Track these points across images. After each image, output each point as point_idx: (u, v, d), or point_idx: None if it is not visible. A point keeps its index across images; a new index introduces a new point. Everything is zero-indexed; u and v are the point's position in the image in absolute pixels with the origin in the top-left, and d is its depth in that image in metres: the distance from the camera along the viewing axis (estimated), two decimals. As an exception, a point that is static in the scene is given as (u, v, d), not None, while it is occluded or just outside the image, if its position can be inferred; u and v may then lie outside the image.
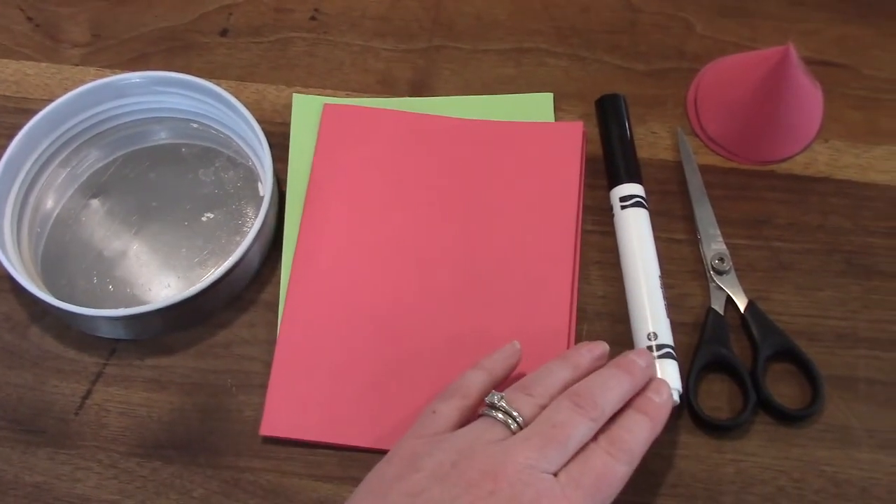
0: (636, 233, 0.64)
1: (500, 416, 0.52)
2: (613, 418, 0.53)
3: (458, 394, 0.55)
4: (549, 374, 0.55)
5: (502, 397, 0.53)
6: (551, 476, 0.50)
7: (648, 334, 0.60)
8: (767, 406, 0.60)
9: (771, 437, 0.60)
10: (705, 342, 0.61)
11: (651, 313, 0.61)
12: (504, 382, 0.57)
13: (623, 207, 0.65)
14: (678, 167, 0.69)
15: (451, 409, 0.54)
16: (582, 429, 0.51)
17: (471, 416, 0.55)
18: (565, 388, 0.54)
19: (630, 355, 0.57)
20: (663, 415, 0.55)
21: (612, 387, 0.54)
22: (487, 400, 0.53)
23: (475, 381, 0.56)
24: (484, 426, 0.52)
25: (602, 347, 0.58)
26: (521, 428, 0.52)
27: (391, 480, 0.50)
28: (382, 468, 0.52)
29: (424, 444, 0.52)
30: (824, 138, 0.70)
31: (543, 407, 0.53)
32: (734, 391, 0.61)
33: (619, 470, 0.51)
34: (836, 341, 0.63)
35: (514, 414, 0.52)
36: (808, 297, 0.64)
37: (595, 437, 0.52)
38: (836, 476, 0.59)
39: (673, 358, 0.60)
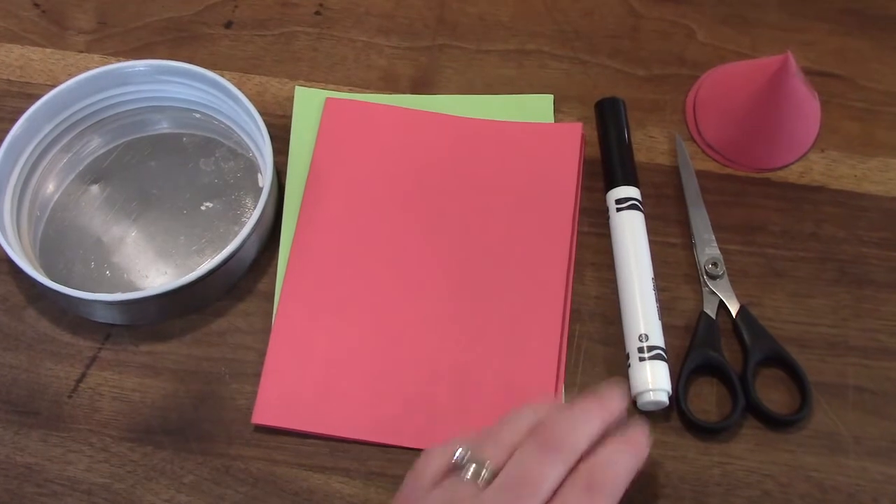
0: (631, 235, 0.65)
1: (470, 470, 0.50)
2: (595, 450, 0.51)
3: (438, 453, 0.53)
4: (514, 419, 0.53)
5: (467, 450, 0.51)
6: None
7: (640, 335, 0.61)
8: (756, 410, 0.61)
9: (758, 442, 0.60)
10: (696, 345, 0.62)
11: (643, 315, 0.62)
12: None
13: (619, 210, 0.66)
14: (675, 172, 0.69)
15: (433, 468, 0.52)
16: (553, 473, 0.49)
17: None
18: (530, 428, 0.52)
19: (602, 389, 0.54)
20: (644, 448, 0.52)
21: (580, 422, 0.51)
22: (456, 457, 0.51)
23: (457, 443, 0.53)
24: (455, 484, 0.50)
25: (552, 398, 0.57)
26: (492, 478, 0.50)
27: None
28: None
29: None
30: (820, 148, 0.71)
31: (511, 452, 0.51)
32: (723, 394, 0.61)
33: None
34: (827, 349, 0.63)
35: (482, 468, 0.50)
36: (799, 304, 0.65)
37: (573, 474, 0.50)
38: (823, 482, 0.59)
39: (663, 360, 0.60)
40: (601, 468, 0.50)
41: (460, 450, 0.51)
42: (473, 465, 0.50)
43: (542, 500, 0.49)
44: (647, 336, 0.61)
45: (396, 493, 0.53)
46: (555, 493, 0.49)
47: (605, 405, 0.53)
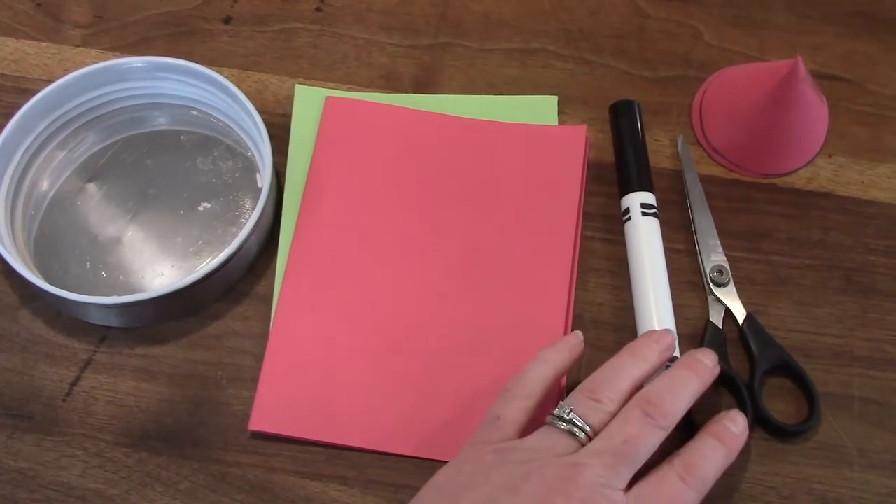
0: (648, 243, 0.64)
1: (569, 426, 0.51)
2: (689, 442, 0.53)
3: (521, 394, 0.54)
4: (616, 372, 0.54)
5: (571, 410, 0.52)
6: (622, 493, 0.49)
7: None
8: (763, 421, 0.60)
9: (762, 453, 0.60)
10: (703, 355, 0.61)
11: (668, 325, 0.61)
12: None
13: (643, 215, 0.64)
14: (679, 176, 0.68)
15: (515, 412, 0.53)
16: (653, 440, 0.51)
17: (537, 414, 0.54)
18: (634, 387, 0.53)
19: (696, 355, 0.56)
20: (738, 446, 0.53)
21: (682, 391, 0.53)
22: (556, 412, 0.52)
23: (537, 377, 0.55)
24: (553, 437, 0.51)
25: (669, 338, 0.57)
26: (589, 438, 0.51)
27: (461, 488, 0.50)
28: (451, 474, 0.51)
29: (493, 454, 0.51)
30: (828, 153, 0.70)
31: (613, 413, 0.52)
32: (731, 405, 0.61)
33: (690, 497, 0.50)
34: (832, 359, 0.63)
35: (584, 426, 0.51)
36: (805, 313, 0.64)
37: (670, 459, 0.51)
38: (827, 495, 0.58)
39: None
40: (701, 461, 0.51)
41: (564, 408, 0.52)
42: (573, 423, 0.51)
43: (637, 467, 0.50)
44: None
45: (471, 440, 0.53)
46: (648, 466, 0.51)
47: (703, 375, 0.55)
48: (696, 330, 0.63)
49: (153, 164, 0.69)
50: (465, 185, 0.67)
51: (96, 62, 0.69)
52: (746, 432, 0.54)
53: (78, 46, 0.74)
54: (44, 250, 0.65)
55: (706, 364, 0.55)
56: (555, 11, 0.76)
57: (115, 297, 0.60)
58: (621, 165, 0.67)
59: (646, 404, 0.51)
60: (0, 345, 0.63)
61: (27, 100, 0.66)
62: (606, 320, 0.63)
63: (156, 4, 0.76)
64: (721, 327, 0.62)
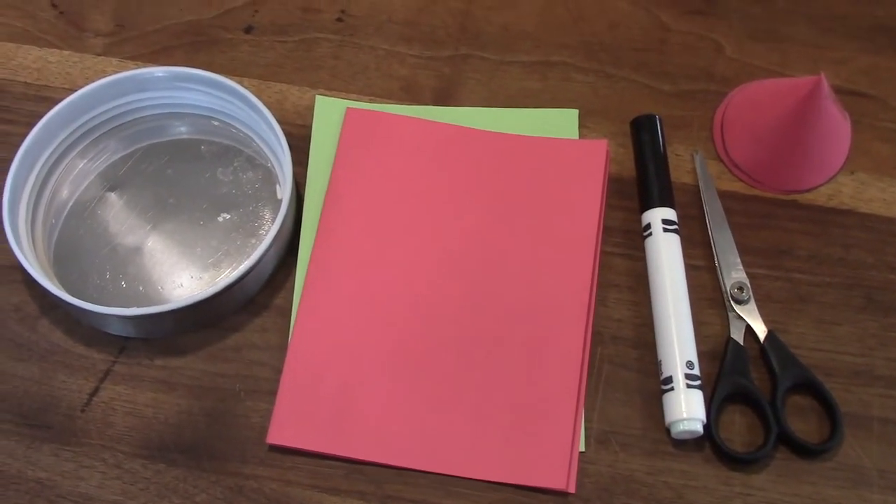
0: (668, 259, 0.63)
1: None
2: None
3: None
4: None
5: None
6: None
7: (687, 362, 0.60)
8: (786, 439, 0.59)
9: (781, 473, 0.59)
10: (726, 373, 0.61)
11: (688, 341, 0.61)
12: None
13: (665, 231, 0.64)
14: (700, 191, 0.68)
15: None
16: None
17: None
18: None
19: None
20: None
21: None
22: None
23: None
24: None
25: None
26: None
27: None
28: None
29: None
30: (850, 170, 0.69)
31: None
32: (753, 423, 0.60)
33: None
34: (852, 378, 0.62)
35: None
36: (825, 331, 0.64)
37: None
38: (846, 516, 0.58)
39: (700, 388, 0.59)
40: None
41: None
42: None
43: None
44: (692, 363, 0.60)
45: None
46: None
47: None
48: (715, 347, 0.62)
49: (173, 173, 0.69)
50: (485, 199, 0.67)
51: (117, 71, 0.69)
52: None
53: (99, 55, 0.74)
54: (63, 259, 0.65)
55: None
56: (575, 24, 0.75)
57: (135, 308, 0.60)
58: (642, 181, 0.67)
59: None
60: (20, 354, 0.63)
61: (48, 108, 0.67)
62: (626, 336, 0.63)
63: (176, 14, 0.76)
64: (743, 345, 0.62)
